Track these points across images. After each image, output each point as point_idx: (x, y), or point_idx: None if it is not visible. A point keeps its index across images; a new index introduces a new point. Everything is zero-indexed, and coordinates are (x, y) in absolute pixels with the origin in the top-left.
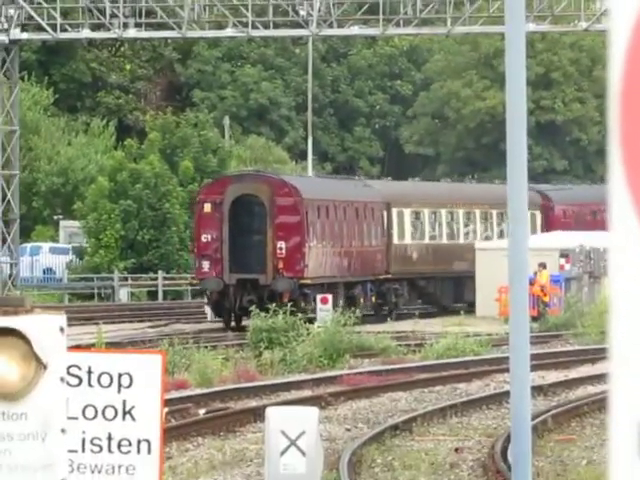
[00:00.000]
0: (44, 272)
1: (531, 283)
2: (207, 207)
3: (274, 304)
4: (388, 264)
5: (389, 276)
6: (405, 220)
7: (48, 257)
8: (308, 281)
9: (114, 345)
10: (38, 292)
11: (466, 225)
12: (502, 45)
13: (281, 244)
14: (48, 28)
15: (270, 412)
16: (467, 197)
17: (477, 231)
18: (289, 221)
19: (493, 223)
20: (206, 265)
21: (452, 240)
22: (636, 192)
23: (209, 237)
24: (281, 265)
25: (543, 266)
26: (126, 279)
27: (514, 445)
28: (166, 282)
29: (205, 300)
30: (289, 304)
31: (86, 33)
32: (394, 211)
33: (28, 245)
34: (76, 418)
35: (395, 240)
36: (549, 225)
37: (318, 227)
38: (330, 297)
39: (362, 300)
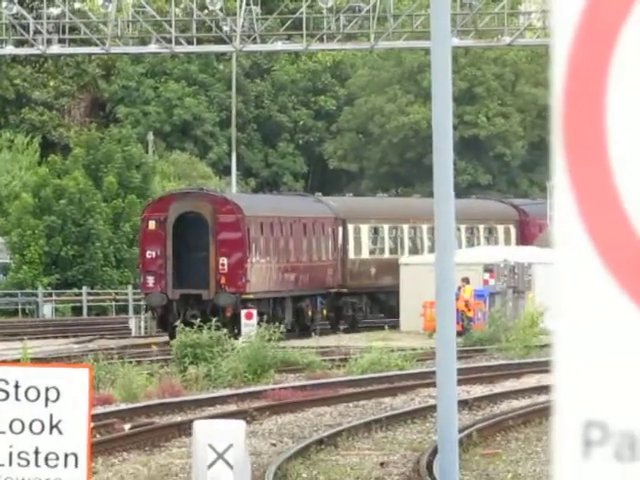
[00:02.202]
0: None
1: (455, 298)
2: (151, 224)
3: (215, 319)
4: (343, 278)
5: (344, 290)
6: (362, 235)
7: None
8: (250, 296)
9: (39, 361)
10: None
11: (412, 240)
12: (426, 60)
13: (223, 260)
14: None
15: (197, 425)
16: (413, 212)
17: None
18: (231, 237)
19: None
20: (151, 280)
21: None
22: (580, 196)
23: (154, 253)
24: (223, 280)
25: (466, 281)
26: (50, 295)
27: (441, 458)
28: (90, 297)
29: (143, 315)
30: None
31: (9, 49)
32: (350, 227)
33: None
34: (3, 432)
35: (351, 255)
36: (524, 239)
37: (261, 243)
38: (254, 312)
39: (310, 313)
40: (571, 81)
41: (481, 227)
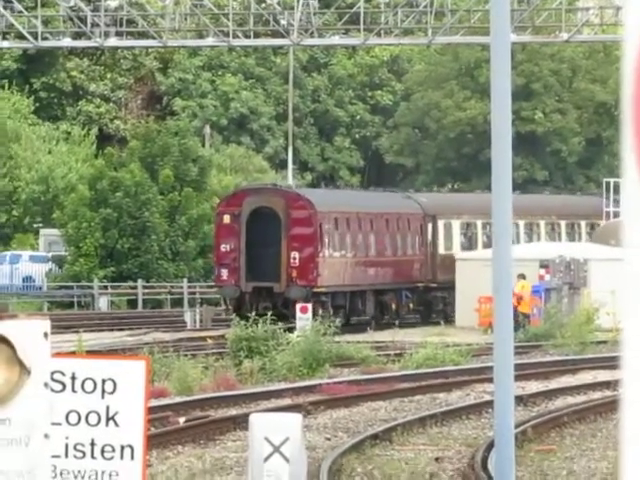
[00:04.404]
0: (24, 280)
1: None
2: (226, 218)
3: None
4: (433, 273)
5: (434, 285)
6: (453, 231)
7: (28, 265)
8: (322, 289)
9: (94, 353)
10: (17, 300)
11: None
12: (483, 56)
13: (295, 254)
14: (29, 36)
15: (254, 419)
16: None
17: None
18: (303, 232)
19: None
20: (224, 273)
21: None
22: None
23: (228, 247)
24: (294, 274)
25: (522, 277)
26: (106, 287)
27: (497, 454)
28: (146, 291)
29: (199, 308)
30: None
31: (67, 42)
32: (440, 222)
33: (8, 253)
34: (60, 424)
35: (441, 250)
36: None
37: (336, 238)
38: (310, 306)
39: (394, 307)
40: None
41: (562, 223)
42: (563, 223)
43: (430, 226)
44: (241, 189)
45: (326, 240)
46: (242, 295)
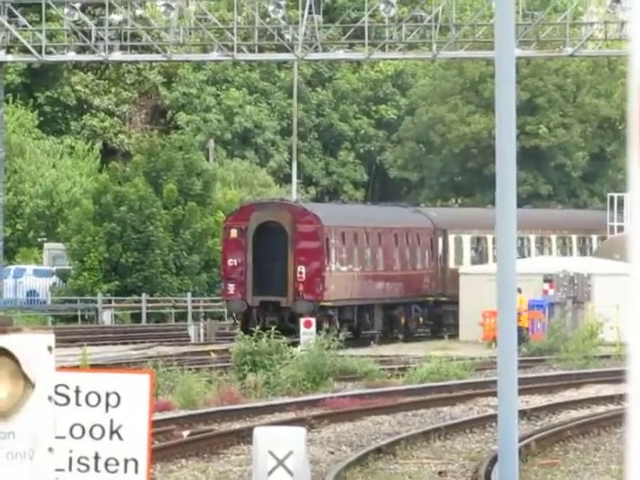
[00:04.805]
0: (28, 294)
1: None
2: (233, 233)
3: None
4: (443, 287)
5: (444, 299)
6: (464, 245)
7: (32, 279)
8: (329, 303)
9: (98, 367)
10: (21, 314)
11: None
12: (487, 70)
13: (301, 268)
14: (33, 50)
15: (258, 432)
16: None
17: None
18: (309, 247)
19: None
20: (231, 287)
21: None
22: None
23: (235, 261)
24: (301, 288)
25: (518, 291)
26: (110, 301)
27: (501, 468)
28: (150, 305)
29: (202, 322)
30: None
31: (71, 56)
32: (451, 237)
33: (12, 267)
34: (64, 437)
35: (451, 264)
36: None
37: (343, 252)
38: (314, 320)
39: (403, 321)
40: None
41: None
42: (574, 237)
43: (440, 240)
44: (248, 204)
45: (333, 254)
46: (249, 309)
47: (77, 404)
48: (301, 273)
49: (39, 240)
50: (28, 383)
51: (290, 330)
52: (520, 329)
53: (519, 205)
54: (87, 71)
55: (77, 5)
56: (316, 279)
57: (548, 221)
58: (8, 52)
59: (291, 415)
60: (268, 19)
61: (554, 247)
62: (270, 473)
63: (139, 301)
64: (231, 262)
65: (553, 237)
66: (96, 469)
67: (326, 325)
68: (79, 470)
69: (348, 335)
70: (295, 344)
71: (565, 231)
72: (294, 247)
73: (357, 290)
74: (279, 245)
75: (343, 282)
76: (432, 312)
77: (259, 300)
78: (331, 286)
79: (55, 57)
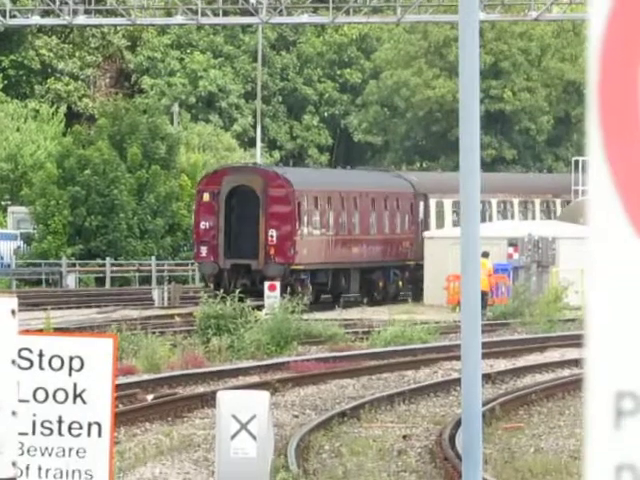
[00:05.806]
0: None
1: None
2: (206, 196)
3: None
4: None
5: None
6: (445, 209)
7: None
8: (300, 267)
9: (62, 331)
10: None
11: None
12: (452, 34)
13: (272, 232)
14: None
15: (221, 396)
16: (503, 186)
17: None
18: (280, 210)
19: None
20: (204, 250)
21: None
22: (616, 171)
23: (207, 225)
24: (272, 252)
25: (484, 255)
26: (74, 265)
27: (465, 432)
28: (114, 268)
29: (167, 286)
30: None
31: (35, 19)
32: (432, 201)
33: None
34: (27, 401)
35: (433, 228)
36: None
37: (316, 216)
38: (278, 284)
39: (382, 285)
40: (607, 55)
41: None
42: (537, 201)
43: (422, 204)
44: (221, 168)
45: (305, 218)
46: (220, 272)
47: (40, 368)
48: (272, 237)
49: (3, 204)
50: None
51: (261, 293)
52: (483, 293)
53: (484, 169)
54: (51, 35)
55: None
56: (287, 243)
57: (510, 185)
58: None
59: (255, 379)
60: None
61: (516, 211)
62: (234, 437)
63: (103, 265)
64: (203, 225)
65: (515, 201)
66: (60, 433)
67: (299, 288)
68: (42, 434)
69: (326, 299)
70: (260, 308)
71: (528, 195)
72: (265, 211)
73: (331, 254)
74: (251, 209)
75: (316, 246)
76: (413, 276)
77: (230, 263)
78: (303, 250)
79: (19, 21)
